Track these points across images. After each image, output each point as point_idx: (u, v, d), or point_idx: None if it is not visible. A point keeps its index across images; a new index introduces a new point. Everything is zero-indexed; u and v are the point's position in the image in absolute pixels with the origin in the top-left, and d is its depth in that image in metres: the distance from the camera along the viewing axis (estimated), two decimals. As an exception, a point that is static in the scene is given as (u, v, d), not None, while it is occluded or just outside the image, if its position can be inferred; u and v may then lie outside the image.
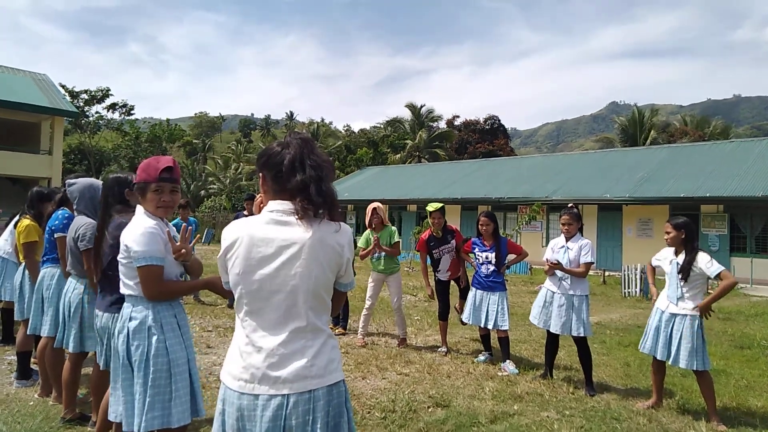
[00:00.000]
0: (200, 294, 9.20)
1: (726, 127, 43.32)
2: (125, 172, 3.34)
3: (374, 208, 6.60)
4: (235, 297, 1.72)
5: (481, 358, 5.90)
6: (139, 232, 2.50)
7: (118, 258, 2.58)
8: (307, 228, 1.66)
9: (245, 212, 9.08)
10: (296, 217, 1.66)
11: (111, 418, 2.59)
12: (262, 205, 1.81)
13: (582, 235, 5.18)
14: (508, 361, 5.62)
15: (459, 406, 4.37)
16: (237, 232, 1.70)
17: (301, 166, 1.68)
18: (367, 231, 6.74)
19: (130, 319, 2.51)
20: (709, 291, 13.54)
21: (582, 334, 4.95)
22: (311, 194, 1.66)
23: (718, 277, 4.24)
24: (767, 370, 5.93)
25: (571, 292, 4.99)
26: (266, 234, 1.67)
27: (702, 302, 4.32)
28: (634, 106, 42.33)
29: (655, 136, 37.23)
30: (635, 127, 38.90)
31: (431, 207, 6.31)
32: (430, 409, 4.31)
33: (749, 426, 4.19)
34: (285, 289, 1.65)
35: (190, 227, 2.74)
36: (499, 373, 5.42)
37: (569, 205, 5.36)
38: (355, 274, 2.05)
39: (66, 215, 4.05)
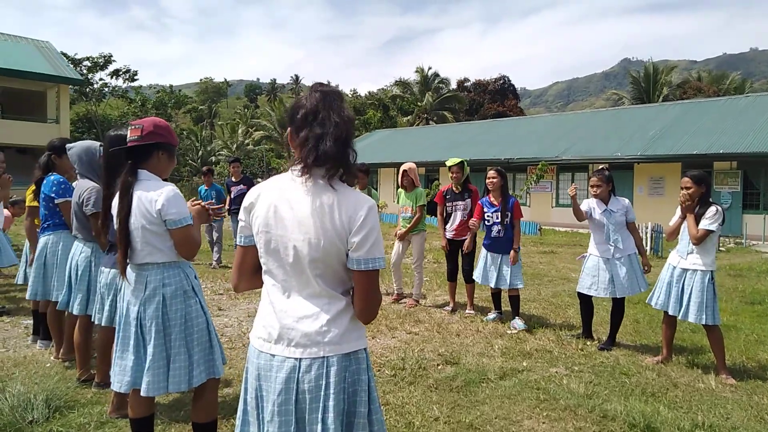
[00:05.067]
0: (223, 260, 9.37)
1: (742, 82, 42.19)
2: (123, 129, 3.20)
3: (405, 170, 6.64)
4: (260, 255, 1.70)
5: (491, 316, 5.93)
6: (170, 194, 2.51)
7: (144, 226, 2.50)
8: (316, 191, 1.59)
9: (232, 177, 9.06)
10: (301, 176, 1.60)
11: (116, 388, 2.58)
12: None
13: (616, 195, 5.07)
14: (517, 318, 5.65)
15: (468, 364, 4.41)
16: (258, 189, 1.69)
17: (314, 119, 1.61)
18: (399, 190, 6.89)
19: (163, 285, 2.54)
20: (720, 248, 13.47)
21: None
22: (312, 151, 1.57)
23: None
24: (778, 325, 5.92)
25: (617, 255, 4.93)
26: (283, 194, 1.62)
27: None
28: (647, 62, 41.13)
29: (668, 93, 36.40)
30: (648, 84, 38.00)
31: (450, 162, 6.31)
32: (439, 367, 4.36)
33: (758, 379, 4.20)
34: (292, 254, 1.60)
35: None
36: (509, 331, 5.45)
37: (601, 167, 5.28)
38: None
39: (59, 180, 4.01)
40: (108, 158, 3.01)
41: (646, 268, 4.92)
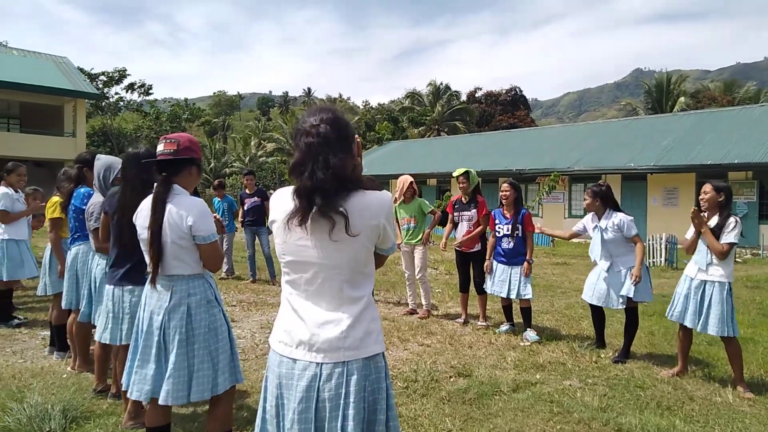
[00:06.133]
0: (236, 269, 9.48)
1: (757, 92, 41.75)
2: (144, 147, 3.23)
3: (411, 182, 6.72)
4: (281, 263, 1.72)
5: (503, 328, 5.91)
6: (201, 212, 2.57)
7: (175, 241, 2.54)
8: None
9: (246, 190, 9.15)
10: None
11: (136, 397, 2.62)
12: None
13: (614, 211, 4.97)
14: (529, 329, 5.62)
15: (481, 376, 4.40)
16: (278, 202, 1.71)
17: (296, 145, 1.64)
18: (397, 205, 6.84)
19: (189, 295, 2.59)
20: (737, 260, 13.28)
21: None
22: (304, 179, 1.58)
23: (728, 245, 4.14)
24: (797, 337, 5.82)
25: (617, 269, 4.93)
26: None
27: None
28: (659, 72, 40.90)
29: (682, 103, 36.10)
30: (661, 94, 37.74)
31: (457, 172, 6.37)
32: (452, 379, 4.35)
33: (777, 393, 4.14)
34: (317, 263, 1.63)
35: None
36: (521, 343, 5.42)
37: (599, 182, 5.28)
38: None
39: (89, 193, 4.08)
40: (142, 171, 3.05)
41: (633, 279, 4.77)
